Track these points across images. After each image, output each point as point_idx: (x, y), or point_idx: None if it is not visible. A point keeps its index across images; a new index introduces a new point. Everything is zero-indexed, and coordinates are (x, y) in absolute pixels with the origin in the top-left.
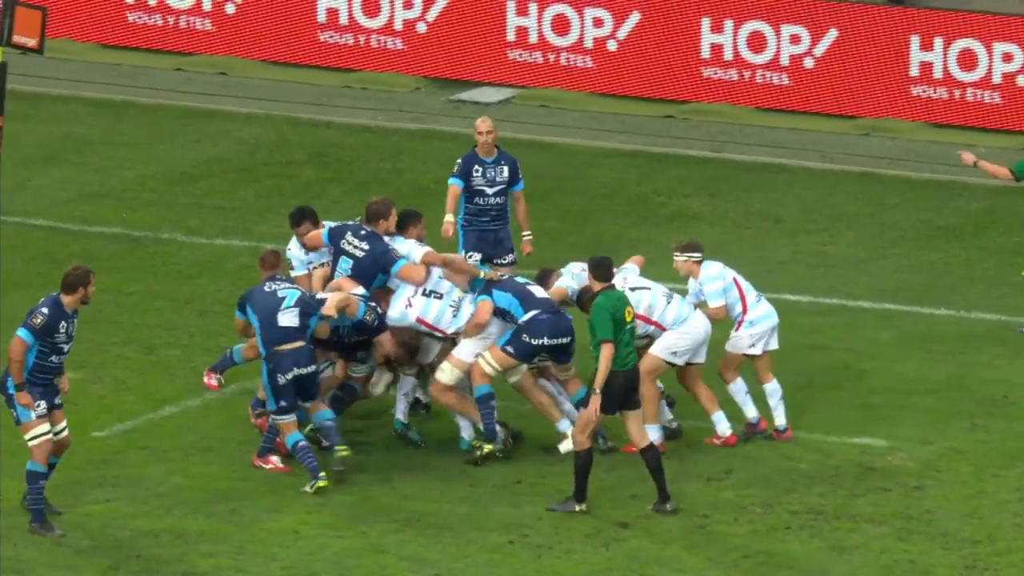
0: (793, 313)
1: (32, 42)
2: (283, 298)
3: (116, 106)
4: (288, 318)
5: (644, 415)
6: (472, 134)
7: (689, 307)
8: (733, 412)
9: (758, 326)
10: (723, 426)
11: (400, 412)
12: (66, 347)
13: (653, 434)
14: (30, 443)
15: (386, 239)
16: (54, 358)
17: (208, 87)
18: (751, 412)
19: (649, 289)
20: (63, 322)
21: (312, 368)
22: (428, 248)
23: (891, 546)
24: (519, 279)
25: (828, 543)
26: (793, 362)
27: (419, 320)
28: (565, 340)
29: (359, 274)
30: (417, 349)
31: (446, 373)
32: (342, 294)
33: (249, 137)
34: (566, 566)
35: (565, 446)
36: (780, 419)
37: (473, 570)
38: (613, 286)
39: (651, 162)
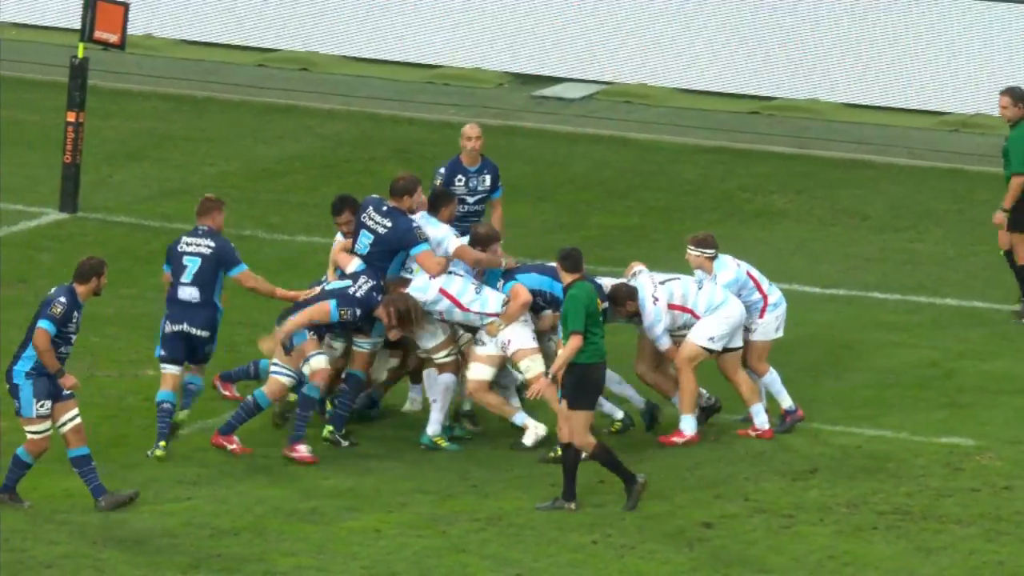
0: (880, 310)
1: (114, 38)
2: (185, 267)
3: (197, 102)
4: (188, 293)
5: (681, 404)
6: (554, 130)
7: (723, 292)
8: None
9: (780, 308)
10: (761, 419)
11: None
12: (74, 338)
13: (689, 425)
14: (29, 436)
15: (413, 217)
16: (64, 349)
17: (290, 83)
18: (787, 402)
19: (679, 279)
20: (76, 312)
21: (205, 334)
22: (463, 242)
23: (979, 547)
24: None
25: (915, 544)
26: (880, 360)
27: (442, 291)
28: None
29: (379, 250)
30: (410, 313)
31: (480, 370)
32: (291, 324)
33: (331, 133)
34: (649, 566)
35: (528, 437)
36: (787, 401)
37: (555, 570)
38: (584, 277)
39: (736, 158)
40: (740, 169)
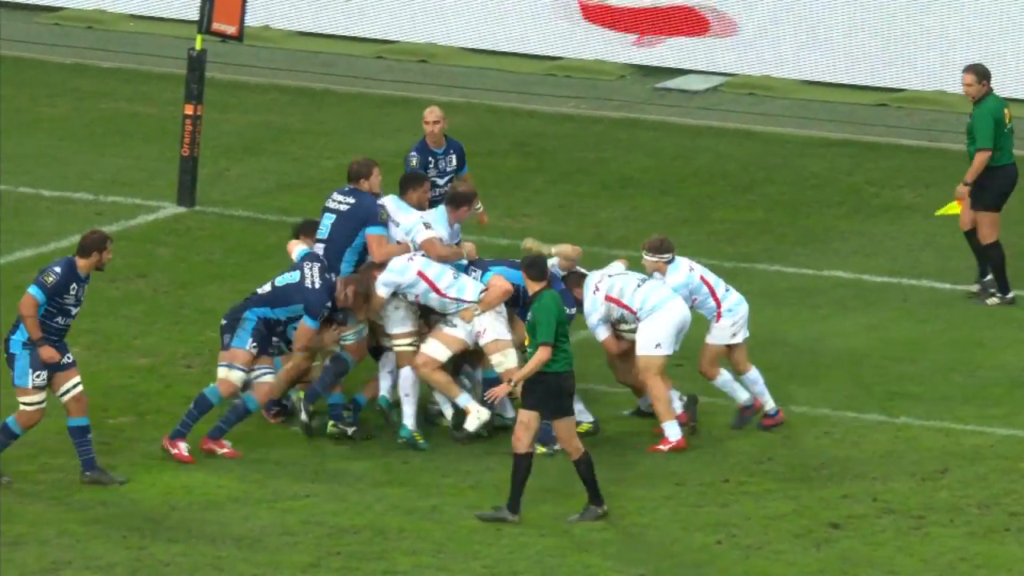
0: (1013, 307)
1: (232, 29)
2: None
3: (315, 94)
4: None
5: (657, 414)
6: (677, 123)
7: (662, 294)
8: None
9: (736, 313)
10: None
11: (385, 389)
12: (74, 311)
13: (672, 431)
14: (21, 407)
15: (389, 205)
16: (60, 319)
17: (408, 74)
18: (743, 396)
19: (626, 275)
20: (74, 284)
21: None
22: (433, 235)
23: None
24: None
25: None
26: (1012, 358)
27: (420, 274)
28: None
29: (341, 228)
30: (367, 292)
31: (437, 348)
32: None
33: (450, 126)
34: (775, 567)
35: (471, 422)
36: (769, 403)
37: (679, 570)
38: (551, 285)
39: (863, 151)
40: (867, 163)
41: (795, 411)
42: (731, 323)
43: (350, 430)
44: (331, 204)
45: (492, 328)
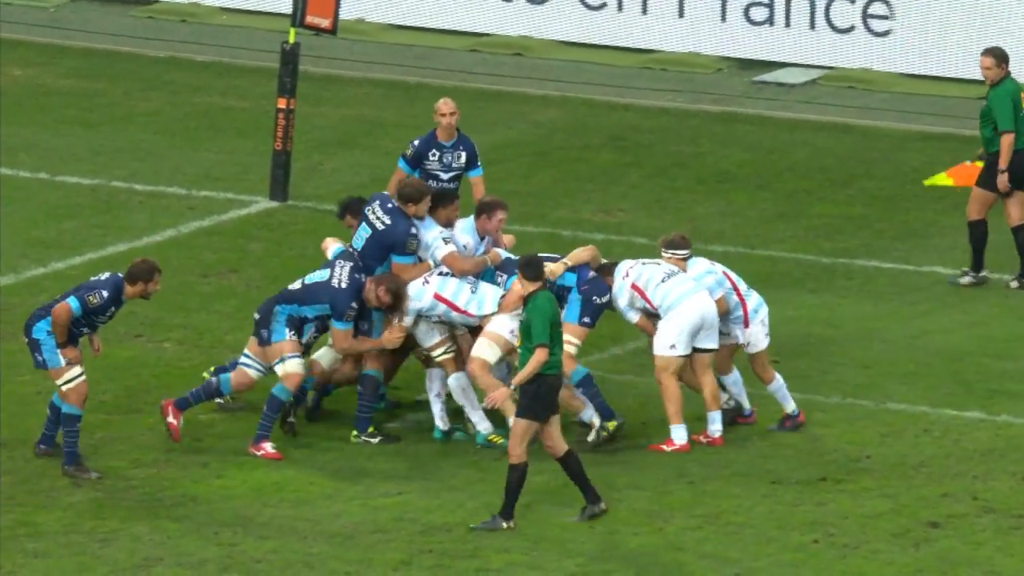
0: None
1: (325, 23)
2: None
3: (409, 88)
4: None
5: (667, 414)
6: (774, 116)
7: (684, 291)
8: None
9: (760, 313)
10: (716, 426)
11: (438, 418)
12: (101, 327)
13: (679, 434)
14: (65, 387)
15: (416, 224)
16: (84, 329)
17: (503, 68)
18: (790, 406)
19: (659, 264)
20: (114, 307)
21: None
22: (452, 249)
23: None
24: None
25: None
26: None
27: (437, 296)
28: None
29: (373, 246)
30: (400, 291)
31: (486, 348)
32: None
33: (545, 120)
34: (873, 567)
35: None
36: (746, 403)
37: (776, 570)
38: (545, 286)
39: (962, 145)
40: (967, 157)
41: (893, 408)
42: (761, 323)
43: (374, 440)
44: (371, 216)
45: (499, 321)
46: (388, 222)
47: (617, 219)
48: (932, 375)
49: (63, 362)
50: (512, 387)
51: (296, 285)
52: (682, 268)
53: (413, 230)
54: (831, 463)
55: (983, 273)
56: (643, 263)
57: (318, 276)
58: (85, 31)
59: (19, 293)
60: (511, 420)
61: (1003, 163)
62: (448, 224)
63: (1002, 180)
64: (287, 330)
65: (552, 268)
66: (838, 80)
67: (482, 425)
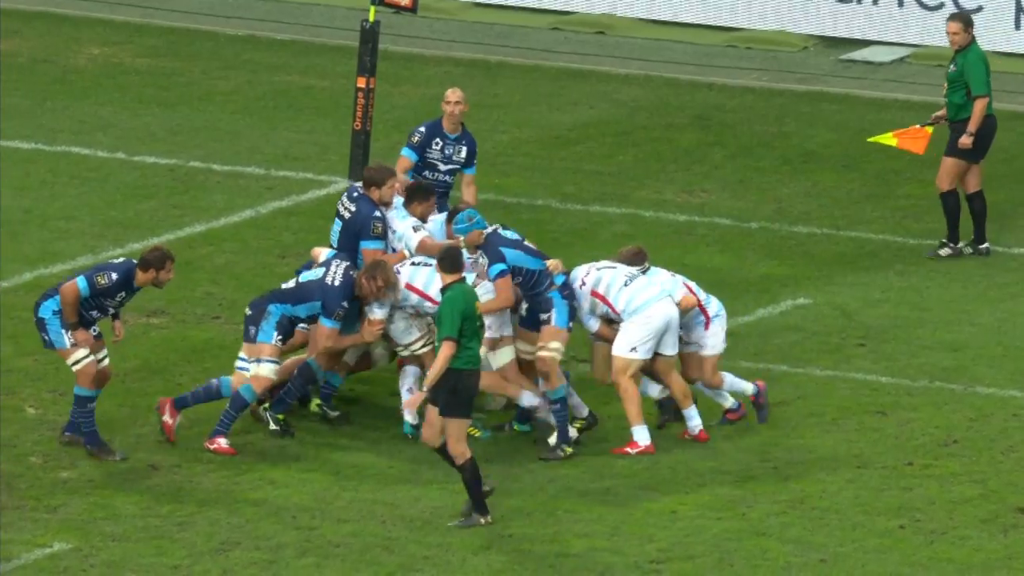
0: None
1: (406, 1)
2: None
3: (490, 67)
4: None
5: (627, 415)
6: (861, 96)
7: (648, 296)
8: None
9: (723, 317)
10: (695, 422)
11: (408, 414)
12: (111, 311)
13: (641, 435)
14: (74, 368)
15: (390, 213)
16: (94, 313)
17: (585, 47)
18: (728, 401)
19: (615, 268)
20: (124, 292)
21: None
22: (426, 234)
23: None
24: (505, 233)
25: None
26: None
27: (408, 286)
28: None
29: (345, 237)
30: (390, 277)
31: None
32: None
33: (628, 99)
34: (960, 553)
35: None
36: (727, 401)
37: (861, 555)
38: (464, 279)
39: None
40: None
41: (982, 392)
42: (720, 328)
43: (333, 414)
44: (340, 209)
45: (493, 324)
46: (353, 209)
47: (700, 200)
48: (1022, 358)
49: (68, 343)
50: (425, 389)
51: (290, 284)
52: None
53: (377, 213)
54: (918, 447)
55: (960, 244)
56: (598, 268)
57: (312, 274)
58: (164, 9)
59: None
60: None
61: (973, 126)
62: (422, 219)
63: (966, 140)
64: (275, 332)
65: (556, 264)
66: (927, 58)
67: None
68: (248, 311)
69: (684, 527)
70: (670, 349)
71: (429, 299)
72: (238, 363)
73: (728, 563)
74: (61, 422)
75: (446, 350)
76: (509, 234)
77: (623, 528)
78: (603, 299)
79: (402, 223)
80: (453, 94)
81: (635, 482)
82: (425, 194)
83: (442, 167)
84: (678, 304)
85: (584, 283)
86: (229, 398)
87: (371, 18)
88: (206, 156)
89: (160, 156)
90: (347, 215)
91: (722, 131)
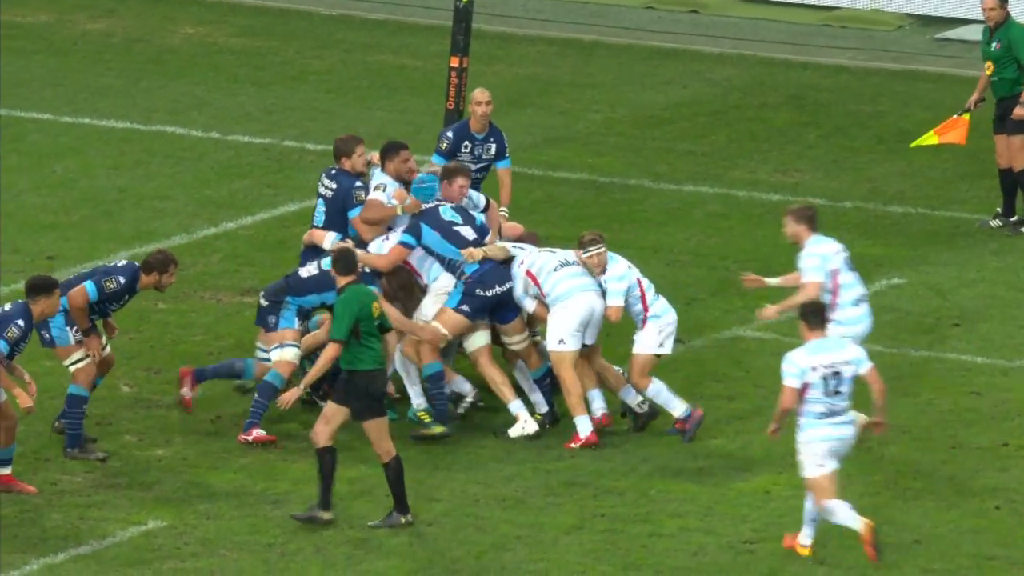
0: None
1: None
2: None
3: (584, 46)
4: None
5: (569, 407)
6: (957, 74)
7: (571, 286)
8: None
9: (662, 319)
10: (597, 404)
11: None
12: (112, 314)
13: (583, 425)
14: (73, 367)
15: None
16: (94, 316)
17: (679, 26)
18: (679, 408)
19: (555, 253)
20: (128, 296)
21: None
22: (374, 196)
23: None
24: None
25: None
26: None
27: (406, 263)
28: (508, 286)
29: (331, 216)
30: (413, 287)
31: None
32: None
33: (721, 78)
34: None
35: (515, 430)
36: (678, 409)
37: (956, 536)
38: (359, 280)
39: None
40: None
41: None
42: (657, 330)
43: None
44: (321, 189)
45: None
46: (334, 186)
47: (794, 179)
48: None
49: (72, 340)
50: (302, 387)
51: (309, 271)
52: (599, 267)
53: (358, 183)
54: (1014, 428)
55: (1006, 219)
56: (540, 251)
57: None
58: None
59: (191, 253)
60: (510, 405)
61: None
62: (397, 177)
63: (1020, 112)
64: (296, 319)
65: (471, 252)
66: None
67: (416, 400)
68: (263, 302)
69: (777, 507)
70: (588, 340)
71: (417, 273)
72: (258, 353)
73: (821, 544)
74: (156, 400)
75: (328, 352)
76: (448, 215)
77: (716, 508)
78: (534, 280)
79: (373, 181)
80: (482, 94)
81: (728, 462)
82: (394, 150)
83: (473, 167)
84: (606, 314)
85: (523, 262)
86: (256, 387)
87: None
88: (300, 135)
89: (254, 135)
90: (329, 193)
91: (816, 110)
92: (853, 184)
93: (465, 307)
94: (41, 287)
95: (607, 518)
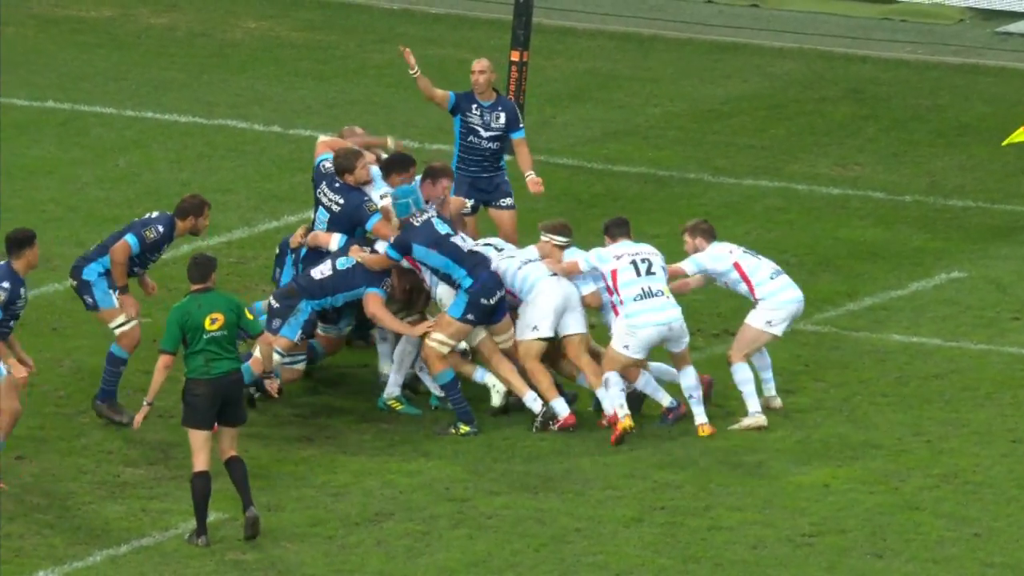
0: None
1: None
2: None
3: (643, 40)
4: None
5: (541, 394)
6: (1018, 68)
7: (544, 275)
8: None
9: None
10: (607, 403)
11: (431, 387)
12: (152, 266)
13: (560, 407)
14: (118, 330)
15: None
16: (136, 269)
17: (739, 20)
18: (666, 400)
19: (513, 257)
20: (165, 244)
21: None
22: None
23: None
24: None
25: None
26: None
27: (408, 258)
28: (503, 290)
29: (334, 227)
30: (418, 291)
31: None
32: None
33: (780, 72)
34: None
35: (527, 402)
36: (664, 399)
37: (1015, 530)
38: (208, 288)
39: None
40: None
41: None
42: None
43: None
44: (324, 200)
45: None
46: (341, 201)
47: (854, 173)
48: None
49: (116, 303)
50: (145, 403)
51: (325, 271)
52: (557, 255)
53: (365, 198)
54: None
55: None
56: (501, 257)
57: (347, 261)
58: None
59: (253, 246)
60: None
61: None
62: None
63: None
64: (300, 332)
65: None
66: None
67: (389, 389)
68: (274, 303)
69: (836, 501)
70: (573, 327)
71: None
72: (283, 362)
73: (880, 537)
74: None
75: (160, 363)
76: (442, 228)
77: (775, 501)
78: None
79: (377, 191)
80: (477, 64)
81: (787, 456)
82: (401, 165)
83: (484, 134)
84: (584, 301)
85: (497, 269)
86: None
87: None
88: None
89: (315, 129)
90: (336, 208)
91: (876, 104)
92: (913, 178)
93: (470, 316)
94: (23, 240)
95: (666, 511)
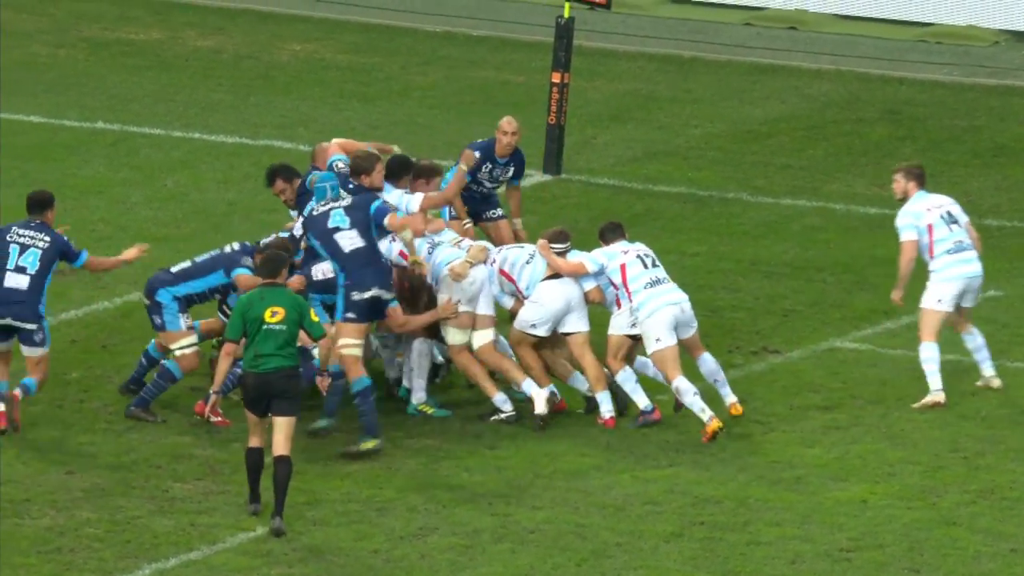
0: None
1: None
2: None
3: (683, 62)
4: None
5: (513, 382)
6: None
7: (545, 275)
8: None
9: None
10: (606, 406)
11: (420, 390)
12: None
13: (541, 400)
14: (179, 352)
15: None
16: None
17: (777, 42)
18: (643, 402)
19: (523, 248)
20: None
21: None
22: (420, 193)
23: None
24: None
25: None
26: None
27: (401, 254)
28: (379, 291)
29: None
30: (422, 288)
31: (451, 335)
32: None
33: (818, 94)
34: None
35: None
36: (641, 401)
37: None
38: (276, 284)
39: None
40: None
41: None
42: (629, 313)
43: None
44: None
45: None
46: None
47: (890, 193)
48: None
49: (183, 326)
50: (212, 392)
51: (327, 272)
52: (559, 262)
53: (378, 196)
54: None
55: None
56: (509, 248)
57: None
58: (362, 5)
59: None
60: (525, 386)
61: None
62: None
63: None
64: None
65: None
66: None
67: (417, 395)
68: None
69: (874, 516)
70: (574, 325)
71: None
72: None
73: (918, 552)
74: None
75: (223, 351)
76: (332, 222)
77: (813, 517)
78: (508, 277)
79: (391, 194)
80: (508, 125)
81: (826, 471)
82: (407, 167)
83: (488, 185)
84: (587, 297)
85: (495, 261)
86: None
87: (566, 14)
88: (404, 150)
89: None
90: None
91: (912, 125)
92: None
93: (350, 314)
94: (48, 200)
95: (706, 526)
